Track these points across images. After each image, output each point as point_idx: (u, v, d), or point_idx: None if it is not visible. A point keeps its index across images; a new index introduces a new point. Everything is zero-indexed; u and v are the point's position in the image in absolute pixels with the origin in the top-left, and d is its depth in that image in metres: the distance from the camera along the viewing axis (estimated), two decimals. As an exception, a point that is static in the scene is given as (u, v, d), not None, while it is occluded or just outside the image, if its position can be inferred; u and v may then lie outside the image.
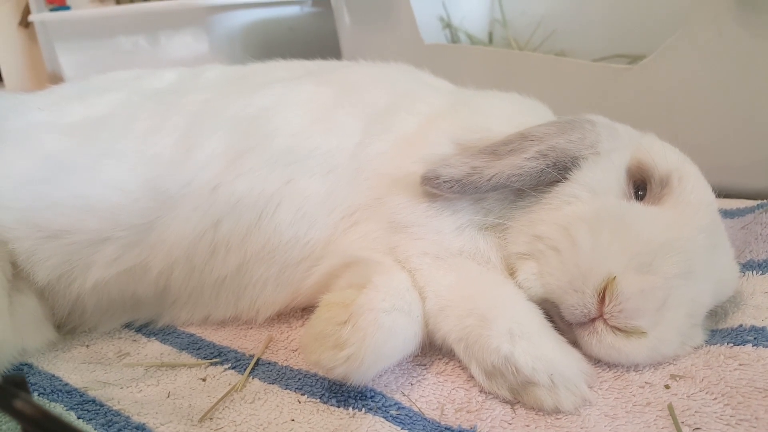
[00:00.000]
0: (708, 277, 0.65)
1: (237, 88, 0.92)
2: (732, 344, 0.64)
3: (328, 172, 0.79)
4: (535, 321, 0.64)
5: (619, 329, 0.62)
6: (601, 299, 0.61)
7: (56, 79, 2.49)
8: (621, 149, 0.73)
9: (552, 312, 0.67)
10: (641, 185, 0.70)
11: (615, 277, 0.60)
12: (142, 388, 0.70)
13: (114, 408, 0.65)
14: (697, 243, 0.64)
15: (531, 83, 1.15)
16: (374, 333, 0.59)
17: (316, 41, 2.27)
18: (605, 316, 0.61)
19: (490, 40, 1.82)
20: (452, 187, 0.70)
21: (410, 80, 0.96)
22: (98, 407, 0.65)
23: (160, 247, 0.78)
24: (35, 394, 0.68)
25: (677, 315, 0.63)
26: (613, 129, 0.76)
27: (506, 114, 0.84)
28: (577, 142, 0.72)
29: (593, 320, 0.63)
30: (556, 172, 0.70)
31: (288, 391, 0.66)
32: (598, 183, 0.69)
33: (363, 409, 0.62)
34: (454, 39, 1.72)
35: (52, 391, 0.68)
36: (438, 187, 0.70)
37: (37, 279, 0.77)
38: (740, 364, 0.61)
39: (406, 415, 0.61)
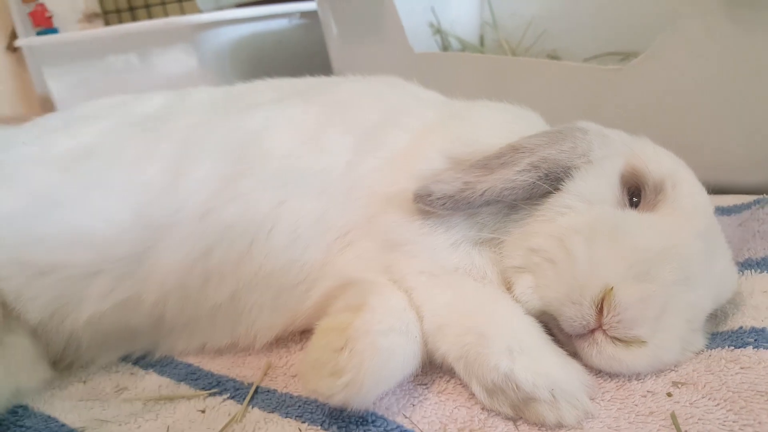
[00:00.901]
0: (706, 282, 0.64)
1: (225, 111, 0.92)
2: (733, 347, 0.63)
3: (320, 192, 0.79)
4: (534, 335, 0.64)
5: (618, 339, 0.61)
6: (600, 310, 0.61)
7: (47, 101, 2.50)
8: (614, 156, 0.72)
9: (551, 324, 0.66)
10: (635, 192, 0.70)
11: (612, 288, 0.60)
12: (141, 424, 0.69)
13: (113, 445, 0.65)
14: (694, 249, 0.64)
15: (524, 88, 1.15)
16: (372, 357, 0.59)
17: (305, 54, 2.27)
18: (604, 327, 0.61)
19: (482, 44, 1.81)
20: (445, 203, 0.69)
21: (399, 94, 0.95)
22: (96, 445, 0.65)
23: (152, 277, 0.77)
24: (31, 437, 0.67)
25: (677, 322, 0.62)
26: (605, 136, 0.75)
27: (497, 125, 0.83)
28: (569, 152, 0.71)
29: (592, 331, 0.62)
30: (549, 183, 0.69)
31: (288, 419, 0.66)
32: (591, 192, 0.69)
33: (365, 434, 0.61)
34: (445, 44, 1.71)
35: (48, 433, 0.68)
36: (431, 205, 0.70)
37: (29, 318, 0.76)
38: (741, 368, 0.61)
39: (407, 435, 0.60)
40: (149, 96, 0.99)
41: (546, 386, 0.59)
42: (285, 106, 0.90)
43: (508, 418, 0.61)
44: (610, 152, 0.73)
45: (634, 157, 0.71)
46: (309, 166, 0.80)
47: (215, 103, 0.96)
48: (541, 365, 0.60)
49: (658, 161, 0.70)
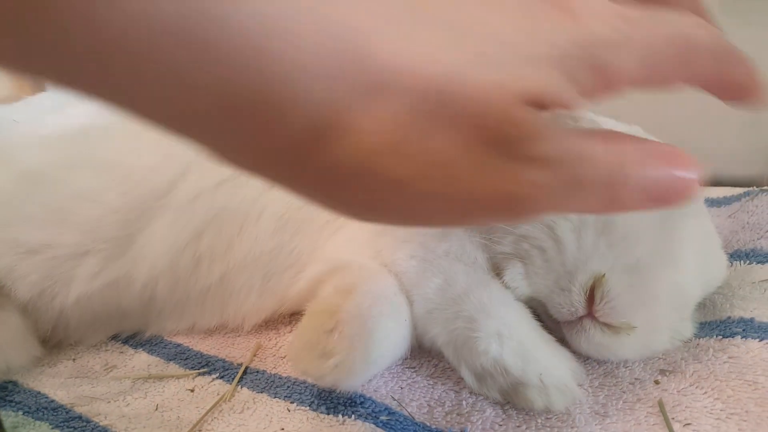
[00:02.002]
0: (696, 269, 0.64)
1: None
2: (721, 336, 0.64)
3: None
4: (524, 321, 0.64)
5: (607, 326, 0.61)
6: (589, 297, 0.61)
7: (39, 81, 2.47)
8: None
9: (540, 311, 0.66)
10: None
11: (604, 275, 0.60)
12: (129, 402, 0.69)
13: (101, 424, 0.64)
14: (683, 235, 0.63)
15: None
16: (362, 340, 0.59)
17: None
18: (596, 314, 0.61)
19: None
20: None
21: None
22: (84, 424, 0.64)
23: (142, 259, 0.77)
24: (20, 413, 0.67)
25: (666, 309, 0.62)
26: (596, 123, 0.75)
27: None
28: None
29: (581, 318, 0.62)
30: None
31: (277, 399, 0.66)
32: None
33: (353, 415, 0.61)
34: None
35: (37, 409, 0.67)
36: None
37: (19, 296, 0.76)
38: (729, 357, 0.61)
39: (396, 420, 0.60)
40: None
41: (535, 371, 0.59)
42: None
43: (496, 403, 0.61)
44: None
45: None
46: None
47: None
48: (530, 350, 0.60)
49: None
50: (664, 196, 0.32)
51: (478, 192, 0.29)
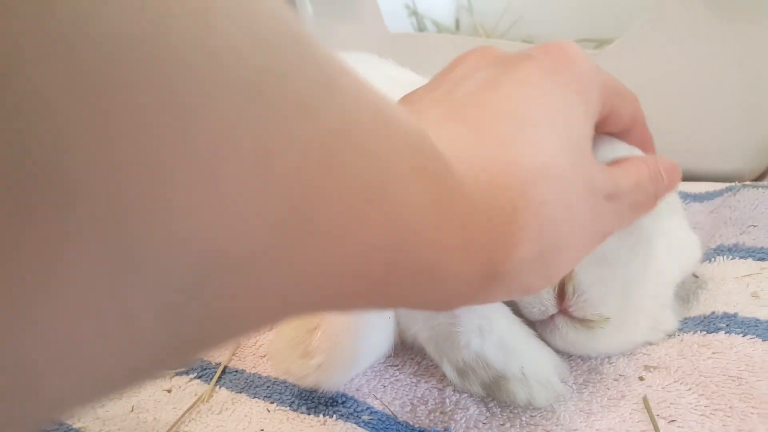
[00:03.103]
0: (668, 252, 0.63)
1: None
2: (705, 332, 0.63)
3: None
4: (504, 316, 0.63)
5: (581, 321, 0.60)
6: (559, 294, 0.60)
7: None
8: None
9: (514, 312, 0.65)
10: None
11: (573, 271, 0.59)
12: (104, 403, 0.67)
13: (74, 426, 0.62)
14: (651, 219, 0.62)
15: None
16: (346, 338, 0.58)
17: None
18: (569, 310, 0.60)
19: (457, 27, 1.80)
20: None
21: (372, 71, 0.94)
22: (57, 426, 0.63)
23: None
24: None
25: (641, 296, 0.61)
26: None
27: None
28: None
29: (552, 317, 0.61)
30: None
31: (257, 399, 0.64)
32: None
33: (334, 415, 0.60)
34: (421, 27, 1.70)
35: (8, 411, 0.66)
36: None
37: None
38: (713, 353, 0.61)
39: (379, 419, 0.59)
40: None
41: (516, 364, 0.58)
42: None
43: (480, 401, 0.60)
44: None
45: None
46: None
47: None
48: (511, 344, 0.60)
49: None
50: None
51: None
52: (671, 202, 0.67)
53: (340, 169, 0.25)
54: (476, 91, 0.45)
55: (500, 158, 0.38)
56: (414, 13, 1.72)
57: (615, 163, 0.52)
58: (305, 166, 0.24)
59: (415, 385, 0.64)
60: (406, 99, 0.53)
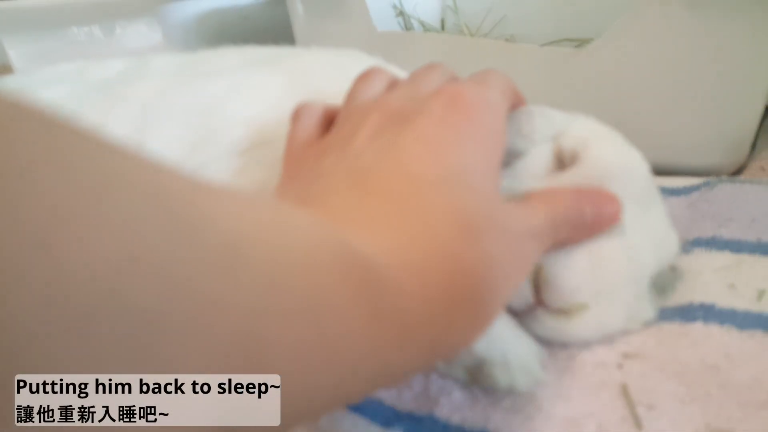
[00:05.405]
0: (641, 235, 0.63)
1: (188, 77, 0.87)
2: (683, 321, 0.65)
3: (279, 159, 0.77)
4: None
5: (559, 311, 0.61)
6: (535, 287, 0.60)
7: (6, 69, 2.40)
8: (551, 137, 0.70)
9: None
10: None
11: (542, 264, 0.59)
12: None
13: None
14: (626, 210, 0.62)
15: (482, 68, 1.15)
16: None
17: (270, 30, 2.22)
18: (546, 302, 0.61)
19: (443, 27, 1.81)
20: None
21: (361, 67, 0.94)
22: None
23: None
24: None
25: (617, 284, 0.61)
26: (551, 117, 0.73)
27: None
28: (513, 135, 0.70)
29: (532, 308, 0.62)
30: None
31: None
32: (525, 172, 0.67)
33: (319, 401, 0.61)
34: (407, 26, 1.71)
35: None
36: None
37: None
38: (691, 342, 0.62)
39: (364, 403, 0.60)
40: (110, 61, 0.94)
41: (498, 349, 0.59)
42: (248, 72, 0.87)
43: (464, 387, 0.61)
44: (553, 133, 0.70)
45: (562, 136, 0.69)
46: (272, 133, 0.78)
47: (178, 68, 0.91)
48: (492, 329, 0.60)
49: (577, 134, 0.68)
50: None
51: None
52: (649, 193, 0.68)
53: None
54: (379, 158, 0.47)
55: (424, 234, 0.41)
56: (401, 12, 1.74)
57: (526, 199, 0.55)
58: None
59: (400, 373, 0.64)
60: (317, 171, 0.54)
